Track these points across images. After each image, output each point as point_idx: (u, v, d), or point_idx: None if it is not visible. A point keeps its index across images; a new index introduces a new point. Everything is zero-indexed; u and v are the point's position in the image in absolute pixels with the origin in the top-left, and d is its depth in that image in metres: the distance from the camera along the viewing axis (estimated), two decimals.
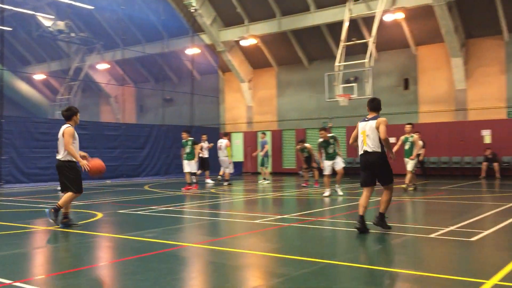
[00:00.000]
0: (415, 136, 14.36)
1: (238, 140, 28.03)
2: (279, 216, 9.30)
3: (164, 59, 29.12)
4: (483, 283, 4.46)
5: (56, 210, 7.97)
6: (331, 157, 13.18)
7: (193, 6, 24.24)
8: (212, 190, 15.83)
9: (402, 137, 14.50)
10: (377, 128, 7.08)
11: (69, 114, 8.17)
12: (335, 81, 20.35)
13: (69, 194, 8.00)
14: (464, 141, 21.45)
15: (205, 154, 18.96)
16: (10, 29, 31.67)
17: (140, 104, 32.83)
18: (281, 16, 24.02)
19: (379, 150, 7.12)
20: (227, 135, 19.45)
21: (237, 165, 23.86)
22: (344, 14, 21.08)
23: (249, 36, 24.88)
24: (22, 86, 35.19)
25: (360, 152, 7.34)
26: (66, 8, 26.95)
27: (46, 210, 8.15)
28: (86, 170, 7.98)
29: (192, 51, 27.18)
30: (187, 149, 15.86)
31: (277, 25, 24.19)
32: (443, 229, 7.28)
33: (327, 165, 13.20)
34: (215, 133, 24.80)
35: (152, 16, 27.08)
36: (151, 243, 6.63)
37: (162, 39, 28.28)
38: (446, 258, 5.84)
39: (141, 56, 29.20)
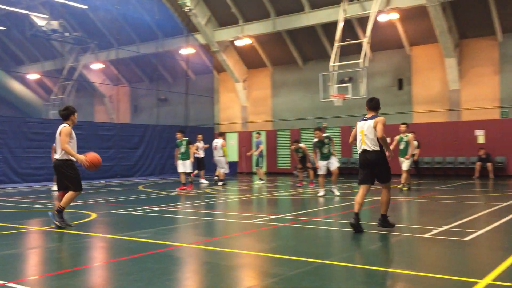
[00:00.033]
0: (410, 135, 14.43)
1: (232, 140, 28.00)
2: (274, 216, 9.30)
3: (158, 59, 29.06)
4: (476, 282, 4.48)
5: (60, 211, 7.94)
6: (325, 157, 13.21)
7: (188, 6, 24.18)
8: (207, 190, 15.81)
9: (397, 137, 14.54)
10: (375, 127, 7.13)
11: (66, 114, 8.16)
12: (329, 81, 20.40)
13: (70, 193, 7.97)
14: (458, 141, 21.54)
15: (201, 154, 18.96)
16: (4, 28, 31.61)
17: (134, 104, 32.73)
18: (276, 16, 24.03)
19: (378, 148, 7.19)
20: (222, 135, 19.43)
21: (231, 165, 23.85)
22: (338, 15, 21.12)
23: (244, 36, 24.87)
24: (16, 86, 35.03)
25: (359, 150, 7.41)
26: (60, 7, 26.83)
27: (50, 213, 8.11)
28: (85, 166, 7.95)
29: (187, 51, 27.14)
30: (182, 149, 15.80)
31: (272, 25, 24.19)
32: (437, 229, 7.31)
33: (321, 165, 13.22)
34: (209, 133, 24.78)
35: (146, 15, 27.01)
36: (145, 244, 6.61)
37: (156, 39, 28.24)
38: (440, 257, 5.87)
39: (136, 56, 29.13)
